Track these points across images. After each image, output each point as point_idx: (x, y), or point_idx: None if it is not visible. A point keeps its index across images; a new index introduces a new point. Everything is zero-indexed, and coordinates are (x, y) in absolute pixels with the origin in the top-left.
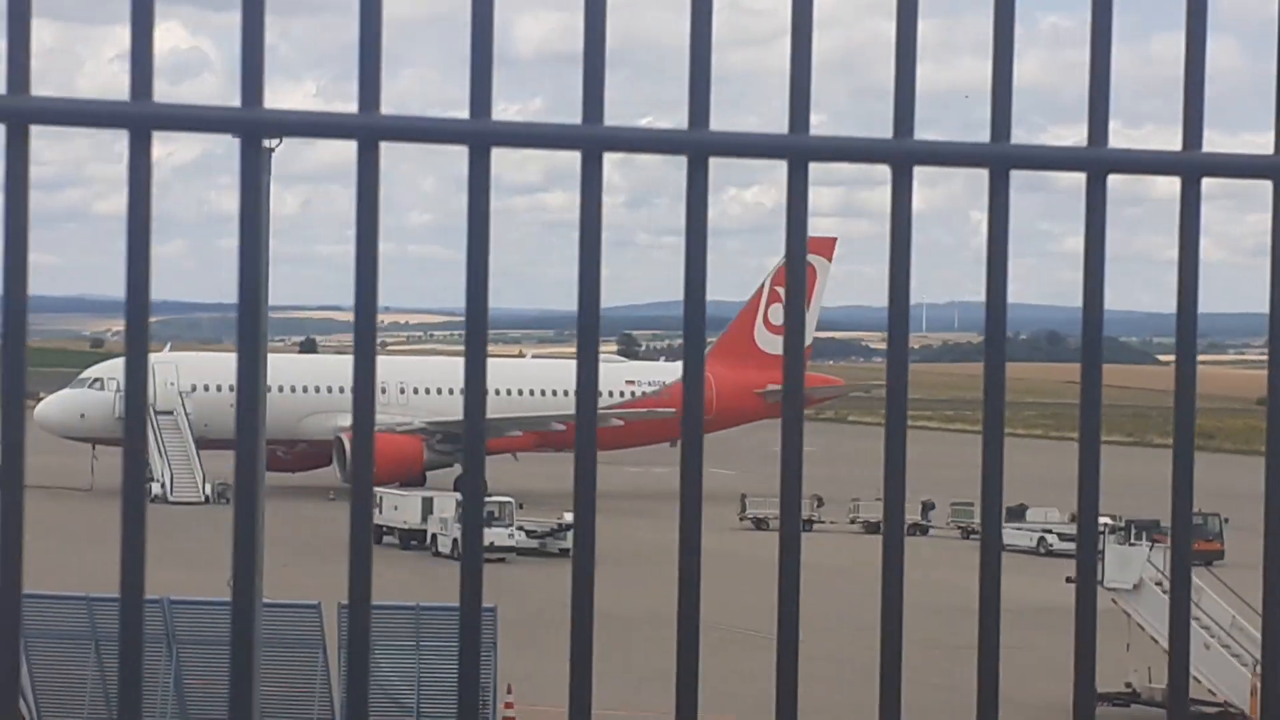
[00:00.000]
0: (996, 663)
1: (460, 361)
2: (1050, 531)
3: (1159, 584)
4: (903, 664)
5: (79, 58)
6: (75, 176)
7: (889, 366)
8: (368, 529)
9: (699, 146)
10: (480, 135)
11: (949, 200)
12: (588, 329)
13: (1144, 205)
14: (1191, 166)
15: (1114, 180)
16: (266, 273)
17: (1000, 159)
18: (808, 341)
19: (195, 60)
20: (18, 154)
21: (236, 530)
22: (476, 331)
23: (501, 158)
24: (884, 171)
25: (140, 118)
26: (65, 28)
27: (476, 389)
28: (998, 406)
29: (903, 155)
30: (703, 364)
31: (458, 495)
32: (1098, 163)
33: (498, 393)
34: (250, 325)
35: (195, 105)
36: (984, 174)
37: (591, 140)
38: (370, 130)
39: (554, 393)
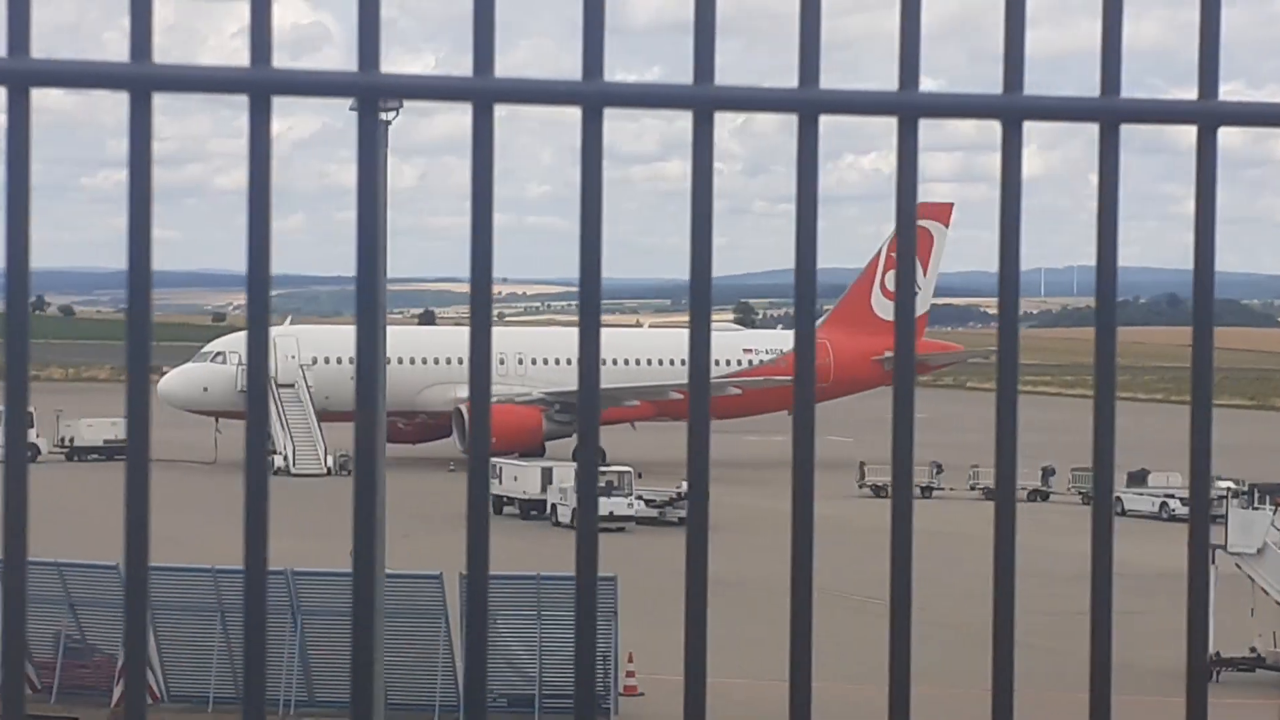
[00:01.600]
0: (1109, 629)
1: (577, 331)
2: (1173, 496)
3: None
4: (1014, 629)
5: (200, 33)
6: (196, 152)
7: (1000, 325)
8: (486, 498)
9: (810, 104)
10: (592, 96)
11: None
12: (699, 291)
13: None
14: None
15: (1236, 141)
16: (384, 242)
17: (1109, 113)
18: (925, 308)
19: (316, 34)
20: (141, 121)
21: (357, 501)
22: (591, 295)
23: (619, 128)
24: (1000, 136)
25: (259, 83)
26: (186, 4)
27: (591, 357)
28: (1109, 368)
29: (1012, 110)
30: (813, 316)
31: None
32: (1207, 115)
33: (615, 362)
34: (369, 290)
35: (313, 70)
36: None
37: (702, 99)
38: (484, 93)
39: (671, 362)
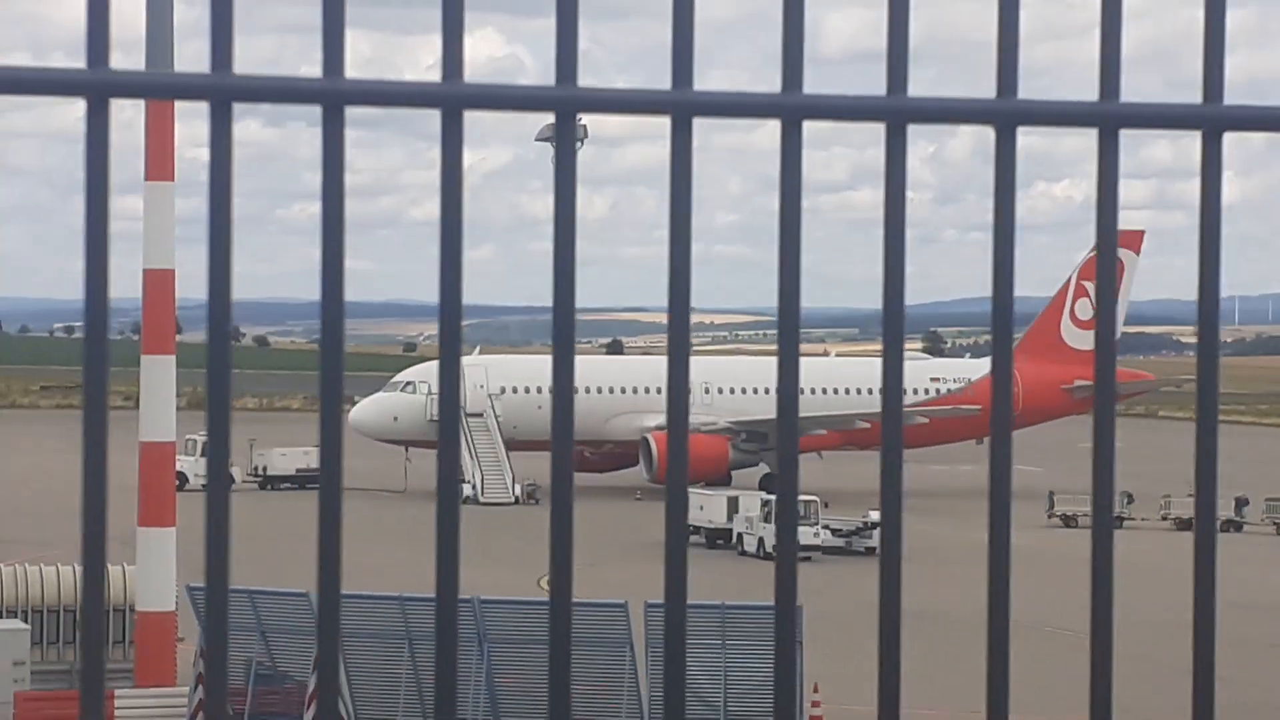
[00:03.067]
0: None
1: (763, 361)
2: None
3: None
4: (1214, 663)
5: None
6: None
7: (1200, 351)
8: (683, 527)
9: (1007, 116)
10: (792, 109)
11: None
12: (893, 317)
13: None
14: None
15: None
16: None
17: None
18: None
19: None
20: (334, 136)
21: (553, 531)
22: (789, 318)
23: (810, 157)
24: (1196, 161)
25: (451, 98)
26: (382, 38)
27: (790, 384)
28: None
29: (1214, 120)
30: (1010, 340)
31: (763, 494)
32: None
33: (803, 391)
34: (564, 317)
35: (507, 85)
36: None
37: (790, 108)
38: (683, 106)
39: (858, 391)
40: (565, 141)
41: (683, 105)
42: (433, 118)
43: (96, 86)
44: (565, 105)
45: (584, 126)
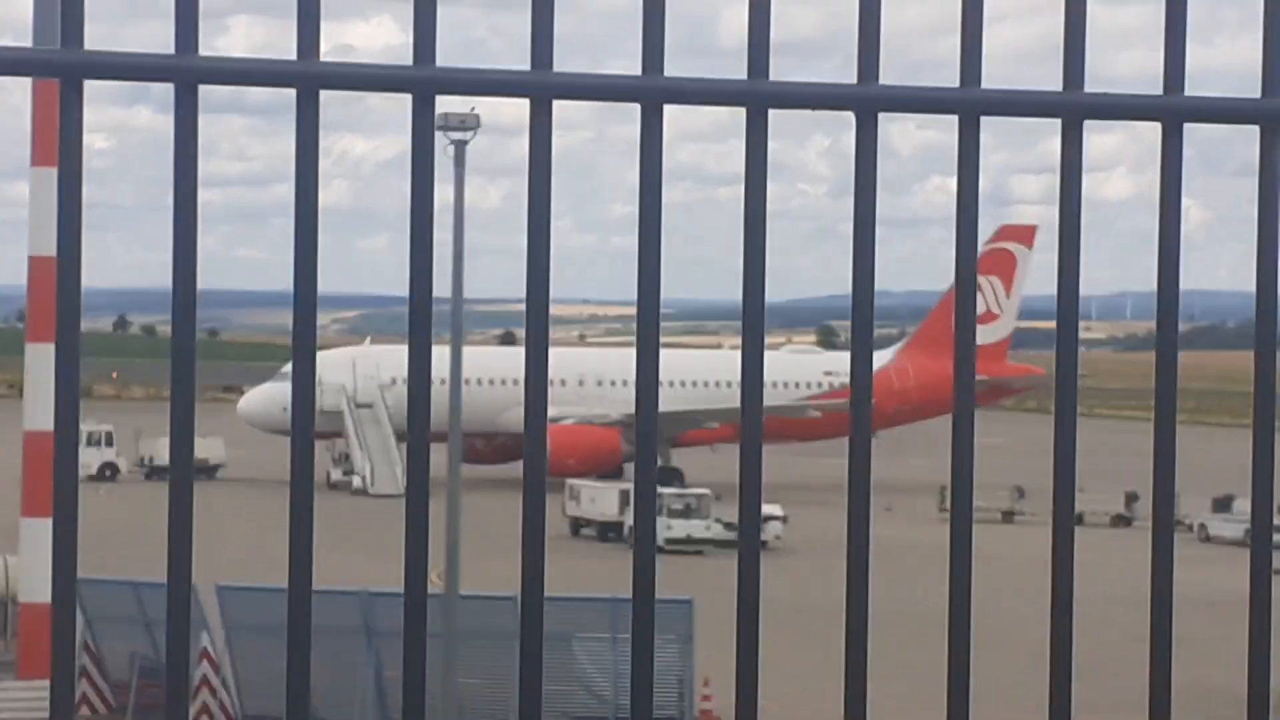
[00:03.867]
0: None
1: (660, 354)
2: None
3: None
4: (1072, 654)
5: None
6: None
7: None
8: (541, 519)
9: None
10: (651, 92)
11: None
12: (752, 313)
13: None
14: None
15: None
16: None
17: (1172, 112)
18: (1008, 330)
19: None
20: (188, 111)
21: (408, 522)
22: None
23: (706, 149)
24: (1094, 155)
25: (306, 77)
26: (479, 12)
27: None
28: (1169, 394)
29: (1176, 111)
30: (870, 335)
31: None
32: (1070, 108)
33: (695, 384)
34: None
35: (364, 64)
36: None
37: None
38: (539, 87)
39: None
40: (423, 124)
41: (540, 86)
42: (327, 104)
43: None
44: (423, 86)
45: (476, 115)
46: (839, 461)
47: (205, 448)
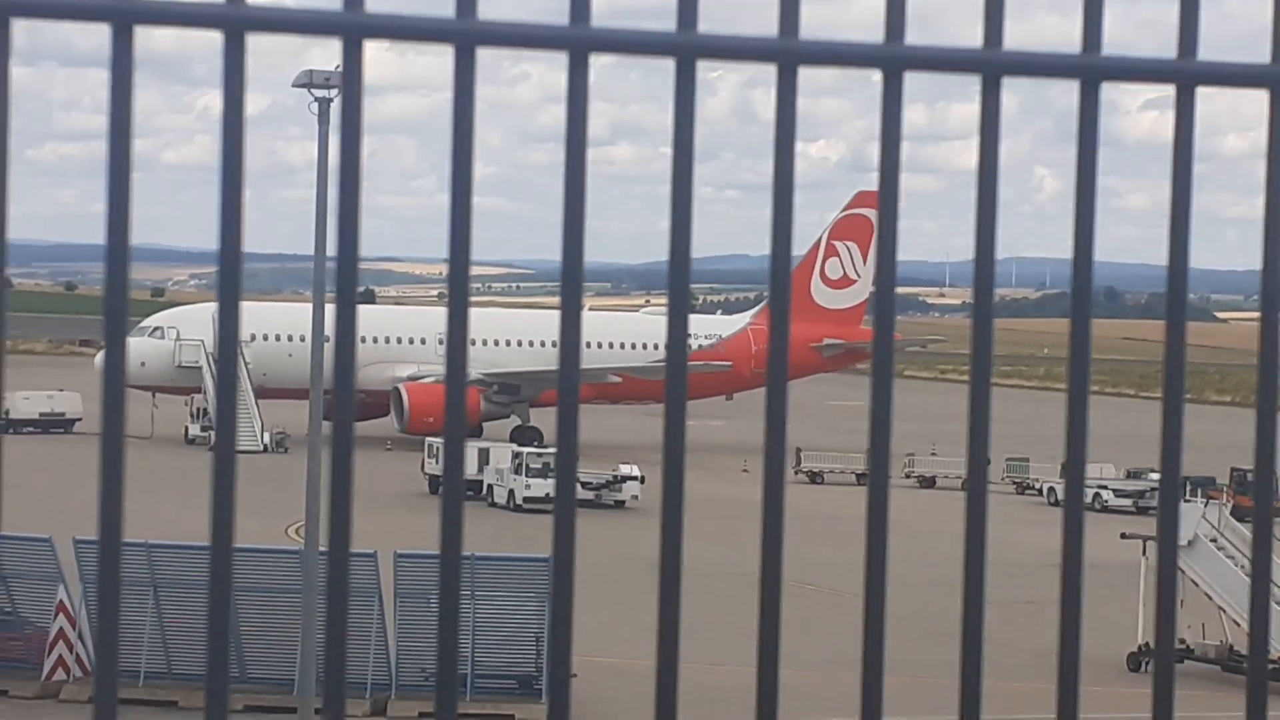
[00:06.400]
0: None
1: (516, 313)
2: (1105, 487)
3: (1214, 540)
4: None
5: None
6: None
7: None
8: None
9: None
10: (578, 41)
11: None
12: (571, 277)
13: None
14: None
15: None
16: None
17: (1090, 70)
18: (864, 296)
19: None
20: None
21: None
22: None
23: (560, 111)
24: (943, 120)
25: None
26: None
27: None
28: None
29: (1093, 70)
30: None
31: (514, 446)
32: (1089, 69)
33: (553, 345)
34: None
35: (292, 9)
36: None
37: (686, 47)
38: (467, 35)
39: (611, 345)
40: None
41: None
42: (182, 63)
43: (464, 35)
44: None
45: (340, 72)
46: (697, 423)
47: (63, 402)
